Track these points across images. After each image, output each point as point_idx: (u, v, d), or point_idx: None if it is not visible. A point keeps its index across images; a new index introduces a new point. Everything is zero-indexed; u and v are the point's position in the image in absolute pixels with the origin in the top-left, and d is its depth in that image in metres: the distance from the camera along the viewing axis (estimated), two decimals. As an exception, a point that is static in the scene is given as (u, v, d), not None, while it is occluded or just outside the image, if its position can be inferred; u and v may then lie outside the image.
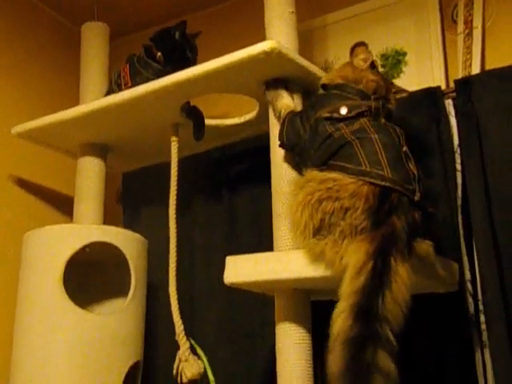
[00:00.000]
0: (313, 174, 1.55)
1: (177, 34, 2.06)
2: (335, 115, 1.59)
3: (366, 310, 1.34)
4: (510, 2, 2.04)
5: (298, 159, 1.73)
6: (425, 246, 1.51)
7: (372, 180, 1.44)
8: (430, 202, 1.52)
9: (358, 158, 1.49)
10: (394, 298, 1.35)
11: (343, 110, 1.59)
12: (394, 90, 1.75)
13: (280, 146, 1.74)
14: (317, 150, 1.60)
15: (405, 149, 1.55)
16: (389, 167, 1.46)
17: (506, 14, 2.04)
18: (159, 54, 2.05)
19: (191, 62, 2.02)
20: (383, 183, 1.44)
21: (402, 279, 1.38)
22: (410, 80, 2.12)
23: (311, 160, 1.61)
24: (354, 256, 1.40)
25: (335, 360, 1.32)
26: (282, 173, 1.76)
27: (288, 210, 1.60)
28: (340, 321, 1.35)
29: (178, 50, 2.05)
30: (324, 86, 1.74)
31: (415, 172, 1.51)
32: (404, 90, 1.78)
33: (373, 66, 1.73)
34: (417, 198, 1.47)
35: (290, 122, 1.71)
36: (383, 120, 1.61)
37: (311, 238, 1.49)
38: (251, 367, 2.10)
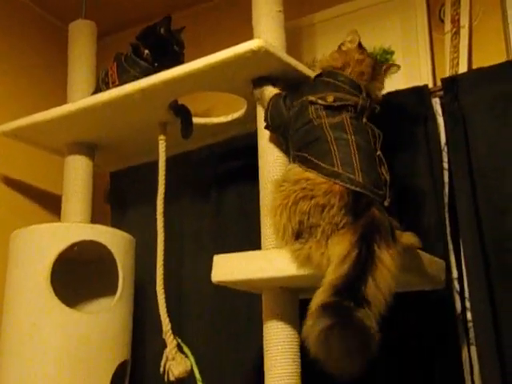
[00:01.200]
0: (290, 171, 1.56)
1: (162, 30, 2.06)
2: (320, 101, 1.60)
3: (346, 289, 1.34)
4: (496, 1, 2.04)
5: (282, 140, 1.73)
6: (407, 236, 1.52)
7: (342, 184, 1.46)
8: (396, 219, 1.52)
9: (332, 157, 1.50)
10: (376, 285, 1.35)
11: (329, 98, 1.60)
12: (384, 66, 1.75)
13: (265, 127, 1.76)
14: (295, 132, 1.62)
15: (379, 153, 1.56)
16: (360, 171, 1.47)
17: (492, 13, 2.04)
18: (146, 51, 2.05)
19: (179, 57, 2.02)
20: (353, 187, 1.45)
21: (386, 266, 1.38)
22: (398, 79, 2.10)
23: (291, 141, 1.64)
24: (338, 247, 1.41)
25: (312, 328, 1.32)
26: (269, 171, 1.76)
27: (268, 213, 1.61)
28: (318, 297, 1.35)
29: (165, 46, 2.06)
30: (318, 76, 1.73)
31: (387, 177, 1.53)
32: (395, 65, 1.77)
33: (360, 46, 1.73)
34: (386, 203, 1.48)
35: (273, 103, 1.73)
36: (365, 119, 1.61)
37: (294, 243, 1.49)
38: (239, 365, 2.10)
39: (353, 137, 1.53)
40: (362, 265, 1.36)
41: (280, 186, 1.55)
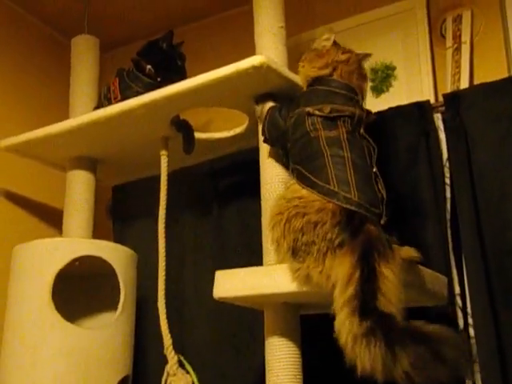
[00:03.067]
0: (289, 189, 1.57)
1: (164, 45, 2.07)
2: (317, 112, 1.60)
3: (366, 308, 1.34)
4: (497, 17, 2.05)
5: (281, 152, 1.74)
6: (406, 250, 1.51)
7: (338, 202, 1.46)
8: (395, 235, 1.52)
9: (328, 174, 1.50)
10: (386, 299, 1.36)
11: (326, 109, 1.60)
12: (360, 56, 1.73)
13: (264, 141, 1.76)
14: (293, 144, 1.62)
15: (375, 170, 1.56)
16: (357, 190, 1.47)
17: (494, 28, 2.05)
18: (149, 67, 2.05)
19: (182, 71, 2.03)
20: (348, 206, 1.45)
21: (390, 280, 1.38)
22: (399, 94, 2.13)
23: (290, 153, 1.64)
24: (340, 270, 1.41)
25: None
26: (271, 187, 1.76)
27: (267, 227, 1.61)
28: (346, 327, 1.34)
29: (167, 61, 2.06)
30: (310, 85, 1.72)
31: (383, 193, 1.52)
32: (368, 54, 1.74)
33: (335, 43, 1.72)
34: (383, 221, 1.48)
35: (269, 115, 1.74)
36: (362, 130, 1.61)
37: (292, 261, 1.50)
38: (241, 382, 2.09)
39: (349, 154, 1.53)
40: (367, 284, 1.36)
41: (277, 201, 1.57)
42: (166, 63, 2.06)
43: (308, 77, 1.71)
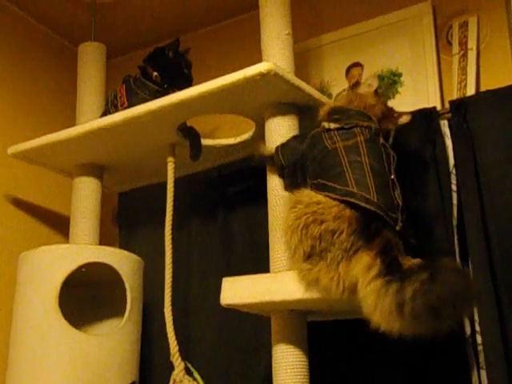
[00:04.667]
0: (303, 193, 1.56)
1: (170, 53, 2.08)
2: (332, 125, 1.62)
3: (392, 271, 1.37)
4: (504, 23, 2.05)
5: (298, 174, 1.72)
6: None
7: (357, 201, 1.46)
8: (411, 234, 1.52)
9: (346, 178, 1.50)
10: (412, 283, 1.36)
11: (342, 122, 1.63)
12: (395, 114, 1.76)
13: (280, 175, 1.77)
14: (312, 161, 1.63)
15: (393, 177, 1.56)
16: (375, 192, 1.47)
17: (500, 35, 2.05)
18: (155, 73, 2.06)
19: (188, 78, 2.04)
20: (367, 206, 1.45)
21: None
22: (406, 101, 2.13)
23: (308, 171, 1.63)
24: (359, 264, 1.42)
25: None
26: (278, 193, 1.77)
27: (281, 231, 1.61)
28: (374, 295, 1.37)
29: (174, 68, 2.07)
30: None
31: (400, 202, 1.53)
32: (406, 113, 1.78)
33: (376, 92, 1.75)
34: (398, 227, 1.48)
35: (282, 145, 1.75)
36: (382, 140, 1.61)
37: (303, 262, 1.50)
38: (247, 389, 2.09)
39: (367, 159, 1.54)
40: (391, 265, 1.38)
41: (292, 208, 1.55)
42: (173, 71, 2.07)
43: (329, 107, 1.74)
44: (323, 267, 1.46)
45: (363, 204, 1.45)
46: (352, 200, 1.46)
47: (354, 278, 1.42)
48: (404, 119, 1.76)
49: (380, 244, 1.42)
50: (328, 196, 1.50)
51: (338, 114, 1.67)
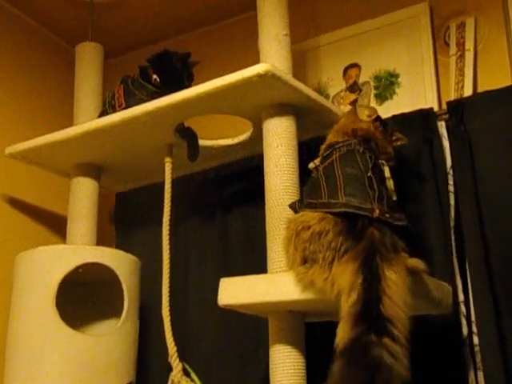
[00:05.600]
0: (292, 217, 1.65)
1: (178, 64, 2.05)
2: (316, 162, 1.70)
3: (366, 314, 1.36)
4: (501, 24, 2.05)
5: None
6: (413, 261, 1.52)
7: (329, 210, 1.52)
8: (397, 217, 1.53)
9: (322, 192, 1.57)
10: (393, 302, 1.37)
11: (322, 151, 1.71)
12: (394, 137, 1.80)
13: None
14: (304, 189, 1.73)
15: (369, 174, 1.58)
16: (344, 195, 1.53)
17: (497, 36, 2.06)
18: (155, 77, 2.05)
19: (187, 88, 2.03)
20: (337, 210, 1.50)
21: (394, 282, 1.40)
22: (403, 101, 2.13)
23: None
24: (343, 278, 1.43)
25: (339, 367, 1.34)
26: (275, 194, 1.77)
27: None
28: (341, 331, 1.36)
29: (175, 77, 2.05)
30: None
31: (376, 192, 1.54)
32: (402, 138, 1.82)
33: (376, 119, 1.77)
34: (376, 214, 1.49)
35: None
36: (362, 148, 1.64)
37: (299, 267, 1.54)
38: (245, 389, 2.09)
39: (339, 170, 1.60)
40: (371, 288, 1.38)
41: (287, 228, 1.61)
42: (174, 79, 2.05)
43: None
44: (317, 269, 1.49)
45: (333, 210, 1.51)
46: (324, 210, 1.52)
47: (340, 286, 1.43)
48: (400, 142, 1.81)
49: (364, 250, 1.44)
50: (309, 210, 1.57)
51: (329, 150, 1.70)
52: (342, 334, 1.36)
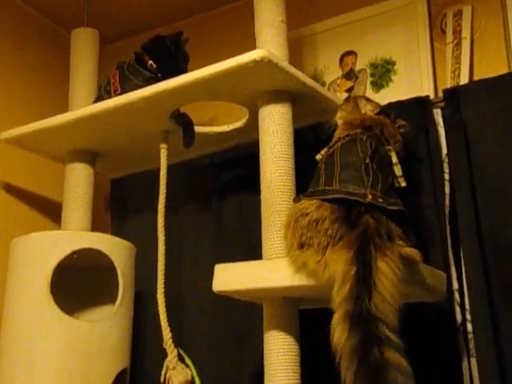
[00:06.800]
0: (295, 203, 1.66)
1: (172, 45, 2.05)
2: (323, 152, 1.70)
3: (358, 315, 1.35)
4: (498, 13, 2.05)
5: None
6: (408, 250, 1.52)
7: (323, 197, 1.53)
8: (392, 202, 1.53)
9: (319, 181, 1.59)
10: (382, 297, 1.37)
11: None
12: (397, 124, 1.81)
13: None
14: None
15: (367, 161, 1.59)
16: (338, 182, 1.54)
17: (494, 24, 2.05)
18: (150, 62, 2.04)
19: (184, 72, 2.02)
20: (329, 196, 1.52)
21: (385, 275, 1.40)
22: (399, 89, 2.13)
23: None
24: (337, 266, 1.44)
25: (346, 372, 1.33)
26: (270, 181, 1.77)
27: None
28: (337, 334, 1.36)
29: (171, 60, 2.05)
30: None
31: (371, 178, 1.55)
32: (405, 125, 1.83)
33: (379, 113, 1.78)
34: (368, 199, 1.50)
35: None
36: (365, 137, 1.64)
37: (295, 251, 1.54)
38: (239, 376, 2.09)
39: (339, 158, 1.61)
40: (363, 281, 1.38)
41: (287, 215, 1.63)
42: (170, 63, 2.04)
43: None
44: (311, 252, 1.50)
45: (326, 197, 1.52)
46: (319, 198, 1.53)
47: (333, 273, 1.44)
48: (403, 129, 1.82)
49: (358, 238, 1.44)
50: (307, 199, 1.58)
51: (336, 142, 1.71)
52: (340, 337, 1.35)
